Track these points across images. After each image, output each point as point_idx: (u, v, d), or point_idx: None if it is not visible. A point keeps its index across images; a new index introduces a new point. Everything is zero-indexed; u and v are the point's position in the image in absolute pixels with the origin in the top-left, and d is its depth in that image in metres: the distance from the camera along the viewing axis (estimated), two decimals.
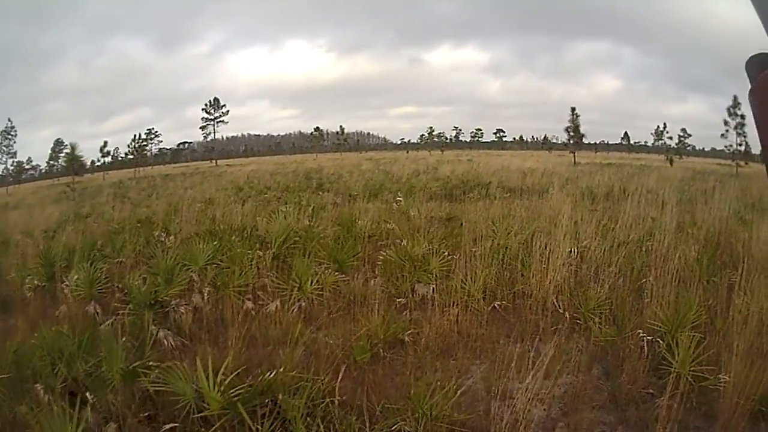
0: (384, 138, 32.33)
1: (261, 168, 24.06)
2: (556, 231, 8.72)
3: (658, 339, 5.41)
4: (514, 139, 27.39)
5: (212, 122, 26.21)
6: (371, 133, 33.82)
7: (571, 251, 7.74)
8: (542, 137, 26.58)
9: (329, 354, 5.19)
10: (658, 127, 22.69)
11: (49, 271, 7.64)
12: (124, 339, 5.81)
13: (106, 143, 21.88)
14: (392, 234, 9.34)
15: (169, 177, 21.55)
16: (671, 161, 21.57)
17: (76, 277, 7.13)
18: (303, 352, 5.14)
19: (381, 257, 7.55)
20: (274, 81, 32.65)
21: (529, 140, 27.13)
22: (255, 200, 13.20)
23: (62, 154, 20.91)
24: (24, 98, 21.60)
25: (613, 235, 8.84)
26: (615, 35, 26.26)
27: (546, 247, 7.43)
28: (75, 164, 19.88)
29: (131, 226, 10.46)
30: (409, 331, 5.62)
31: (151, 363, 4.85)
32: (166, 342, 5.75)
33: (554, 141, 25.24)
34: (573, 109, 22.67)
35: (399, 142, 29.76)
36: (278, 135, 34.67)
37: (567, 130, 22.53)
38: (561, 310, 6.43)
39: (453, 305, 6.34)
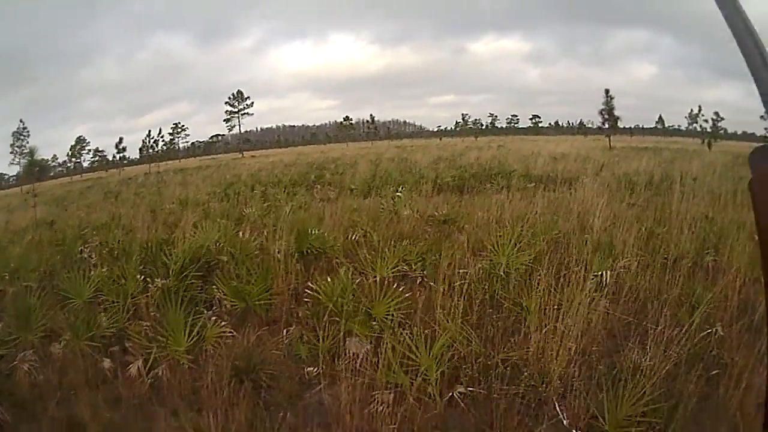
0: (420, 126, 31.78)
1: (282, 159, 22.67)
2: (584, 238, 6.72)
3: None
4: (550, 124, 26.71)
5: (237, 115, 25.38)
6: (407, 121, 33.06)
7: (602, 277, 5.32)
8: (578, 123, 25.82)
9: None
10: (692, 110, 22.11)
11: None
12: None
13: (121, 139, 21.56)
14: (361, 246, 7.37)
15: (184, 171, 20.66)
16: (709, 145, 20.58)
17: None
18: None
19: (310, 291, 5.48)
20: (315, 73, 32.76)
21: (564, 125, 26.22)
22: (234, 199, 11.62)
23: (84, 151, 20.87)
24: (62, 95, 21.71)
25: (662, 245, 6.41)
26: (653, 24, 25.13)
27: (565, 269, 5.00)
28: (35, 169, 19.34)
29: (82, 234, 9.20)
30: None
31: None
32: None
33: (589, 126, 24.78)
34: (607, 92, 22.98)
35: (435, 130, 28.78)
36: (314, 125, 34.22)
37: (601, 112, 22.27)
38: (565, 419, 3.61)
39: (387, 385, 3.91)
